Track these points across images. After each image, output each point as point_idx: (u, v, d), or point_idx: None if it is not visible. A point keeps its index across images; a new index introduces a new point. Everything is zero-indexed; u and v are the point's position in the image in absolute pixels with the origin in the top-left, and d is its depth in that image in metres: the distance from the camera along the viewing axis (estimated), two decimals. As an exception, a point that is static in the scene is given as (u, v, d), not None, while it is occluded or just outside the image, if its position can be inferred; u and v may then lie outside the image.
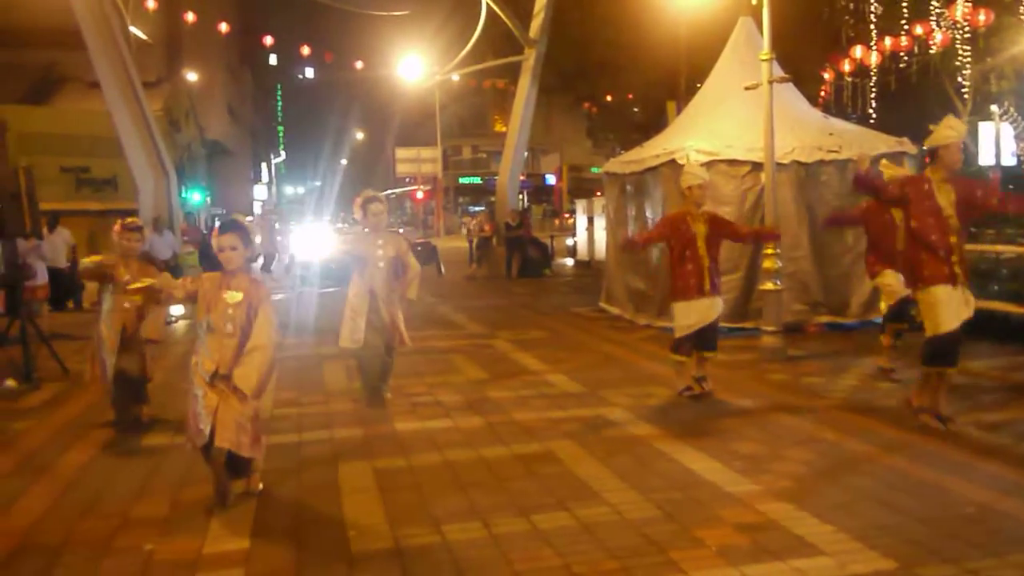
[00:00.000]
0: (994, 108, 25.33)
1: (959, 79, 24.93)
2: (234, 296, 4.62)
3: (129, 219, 6.68)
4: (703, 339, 6.99)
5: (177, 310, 13.31)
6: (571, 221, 27.10)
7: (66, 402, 7.45)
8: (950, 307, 5.50)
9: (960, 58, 23.36)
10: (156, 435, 6.17)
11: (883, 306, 7.75)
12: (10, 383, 8.02)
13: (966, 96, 25.88)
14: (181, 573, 3.74)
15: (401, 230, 23.90)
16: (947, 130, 5.59)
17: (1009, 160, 25.06)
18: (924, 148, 5.79)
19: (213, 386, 4.53)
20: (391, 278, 6.83)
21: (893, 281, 7.25)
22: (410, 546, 3.97)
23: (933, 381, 5.74)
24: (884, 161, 7.74)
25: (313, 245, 23.52)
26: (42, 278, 11.45)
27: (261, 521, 4.37)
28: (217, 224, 4.80)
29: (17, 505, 4.72)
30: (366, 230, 6.93)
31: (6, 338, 8.48)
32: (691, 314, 6.86)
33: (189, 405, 4.59)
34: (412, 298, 7.08)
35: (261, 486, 4.79)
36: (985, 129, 25.81)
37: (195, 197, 36.64)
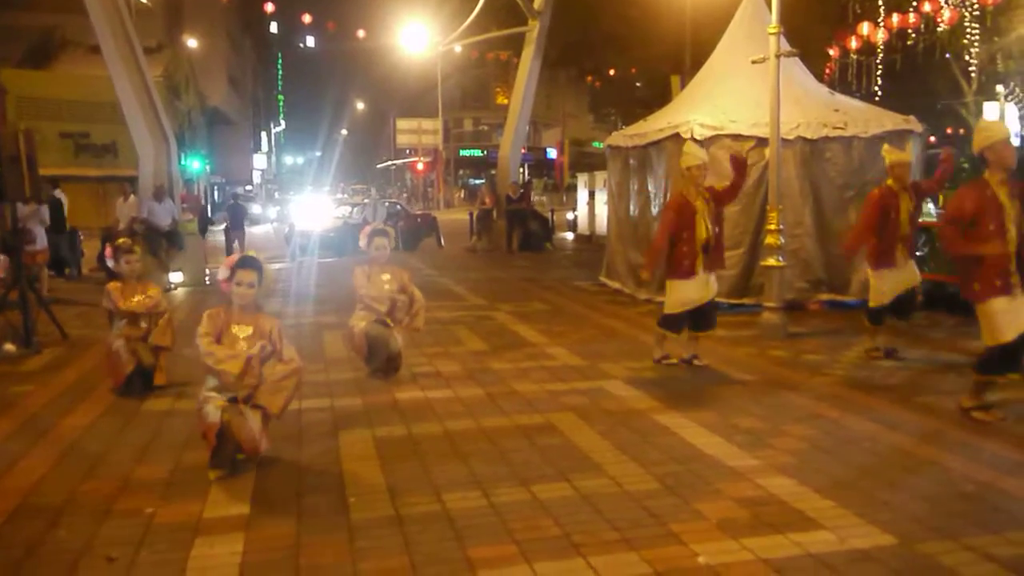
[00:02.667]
0: (1000, 88, 25.20)
1: (966, 58, 24.75)
2: (244, 330, 4.66)
3: (120, 240, 6.69)
4: (701, 319, 7.00)
5: (176, 277, 13.29)
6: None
7: (66, 366, 7.45)
8: (1007, 317, 5.27)
9: (968, 37, 23.18)
10: (157, 399, 6.17)
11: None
12: (9, 347, 8.01)
13: (972, 75, 25.72)
14: (181, 536, 3.74)
15: (399, 205, 23.76)
16: (980, 133, 5.42)
17: (1014, 141, 24.98)
18: (975, 154, 5.59)
19: (234, 408, 4.53)
20: (396, 312, 6.92)
21: (884, 287, 7.16)
22: (410, 514, 3.98)
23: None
24: (887, 146, 7.64)
25: (312, 215, 23.48)
26: (41, 243, 11.42)
27: (261, 487, 4.37)
28: (236, 257, 4.77)
29: (18, 467, 4.73)
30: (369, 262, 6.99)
31: (6, 302, 8.45)
32: (685, 292, 6.88)
33: (197, 411, 4.60)
34: (419, 328, 7.13)
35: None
36: (990, 109, 25.71)
37: (194, 165, 36.44)
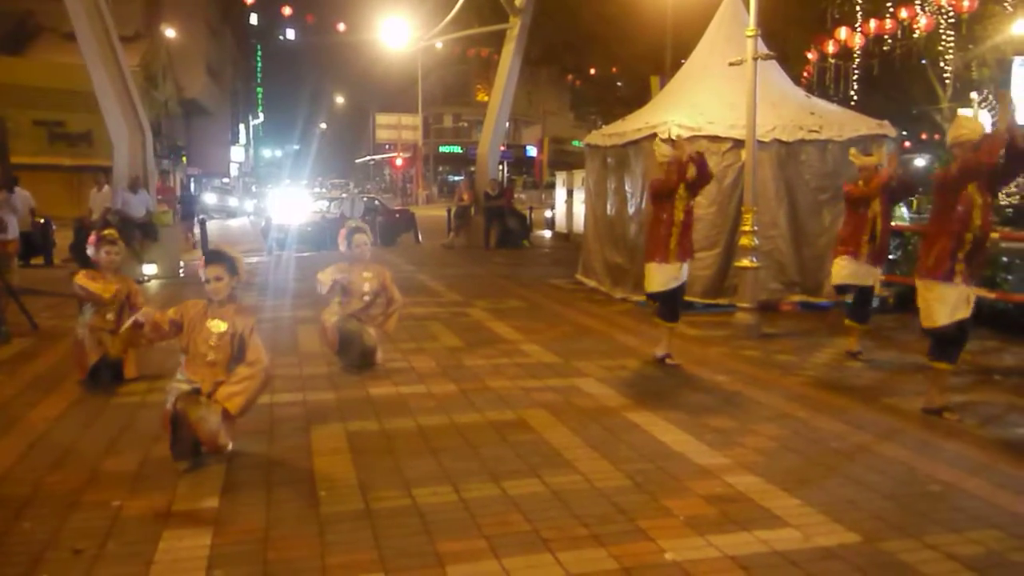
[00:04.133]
0: (974, 95, 25.53)
1: (941, 65, 25.06)
2: (219, 325, 4.63)
3: (106, 231, 6.63)
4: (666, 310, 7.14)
5: (149, 269, 13.18)
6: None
7: (35, 357, 7.37)
8: (946, 303, 5.42)
9: (943, 44, 23.48)
10: (127, 392, 6.12)
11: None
12: (-22, 337, 7.91)
13: (947, 82, 26.04)
14: (149, 529, 3.72)
15: (376, 201, 23.69)
16: (954, 129, 5.55)
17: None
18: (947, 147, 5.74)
19: (192, 397, 4.51)
20: (373, 309, 6.97)
21: (839, 269, 7.40)
22: (380, 508, 3.98)
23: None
24: (853, 151, 7.83)
25: (290, 209, 23.36)
26: (13, 232, 11.27)
27: (231, 480, 4.36)
28: (202, 255, 4.74)
29: (-16, 458, 4.68)
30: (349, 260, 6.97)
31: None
32: (662, 274, 7.05)
33: (163, 412, 4.57)
34: (390, 331, 7.16)
35: (230, 446, 4.76)
36: (965, 115, 26.05)
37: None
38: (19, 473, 4.45)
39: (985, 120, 25.02)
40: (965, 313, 5.45)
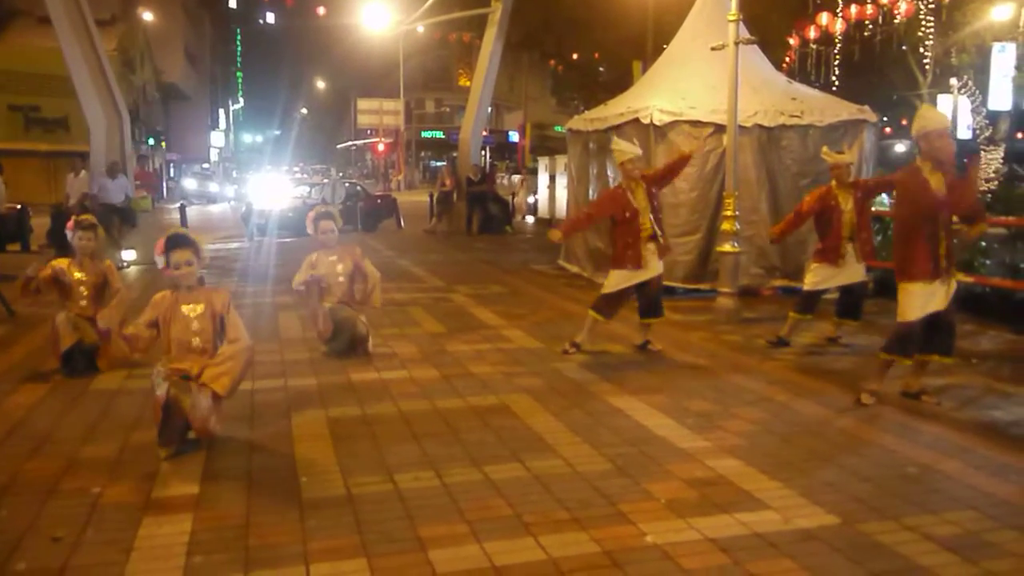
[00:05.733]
0: (953, 81, 25.67)
1: (921, 50, 25.17)
2: (195, 309, 4.59)
3: (83, 216, 6.56)
4: (647, 305, 7.05)
5: (128, 255, 13.06)
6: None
7: (13, 344, 7.29)
8: (922, 298, 5.40)
9: (923, 30, 23.57)
10: (105, 379, 6.07)
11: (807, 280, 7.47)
12: (-46, 324, 7.82)
13: (927, 68, 26.17)
14: (129, 516, 3.69)
15: (359, 187, 23.57)
16: (919, 120, 5.48)
17: (965, 133, 25.49)
18: (913, 140, 5.66)
19: (183, 384, 4.47)
20: (353, 288, 6.97)
21: (816, 278, 7.25)
22: (362, 493, 3.97)
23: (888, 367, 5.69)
24: (825, 148, 7.74)
25: (270, 195, 23.20)
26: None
27: (212, 467, 4.33)
28: (165, 238, 4.65)
29: (-40, 446, 4.63)
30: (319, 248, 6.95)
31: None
32: (625, 281, 6.92)
33: (152, 400, 4.52)
34: (377, 306, 7.12)
35: (219, 430, 4.73)
36: (943, 102, 26.20)
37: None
38: (-4, 461, 4.41)
39: (964, 106, 25.27)
40: (941, 305, 5.45)
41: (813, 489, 4.05)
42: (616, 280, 6.95)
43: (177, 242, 4.59)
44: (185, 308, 4.58)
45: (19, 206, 14.95)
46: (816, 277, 7.27)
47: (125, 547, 3.41)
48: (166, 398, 4.38)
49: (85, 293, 6.29)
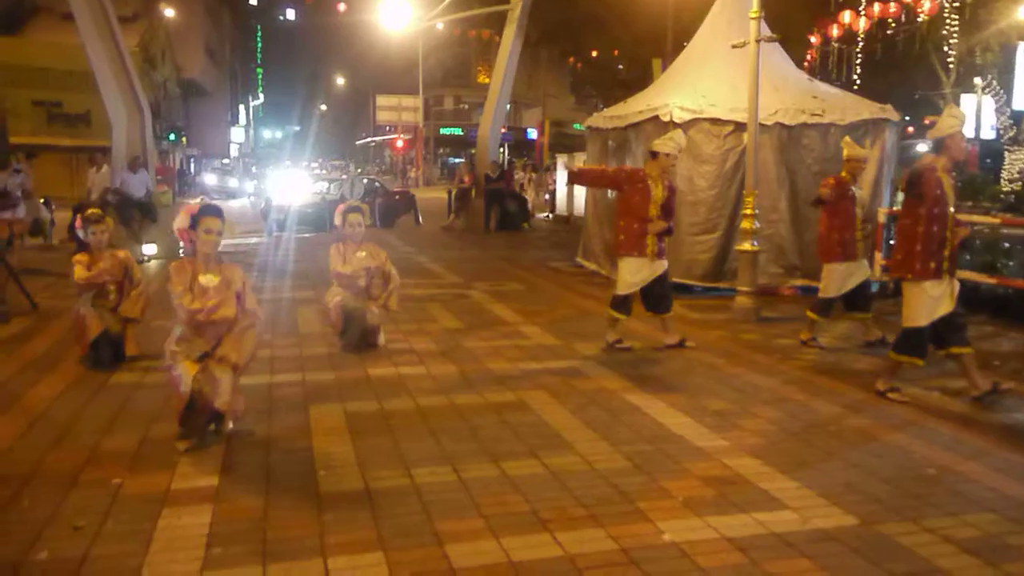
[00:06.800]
0: (977, 80, 25.41)
1: (945, 49, 24.92)
2: (211, 279, 4.61)
3: (89, 211, 6.60)
4: (655, 301, 7.04)
5: (149, 249, 13.16)
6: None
7: (35, 337, 7.37)
8: (931, 303, 5.41)
9: (947, 28, 23.33)
10: (126, 372, 6.12)
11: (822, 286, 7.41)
12: (-22, 316, 7.91)
13: (951, 67, 25.91)
14: (149, 508, 3.73)
15: (377, 183, 23.60)
16: (951, 119, 5.48)
17: (988, 133, 25.25)
18: (930, 139, 5.61)
19: (199, 361, 4.50)
20: (372, 288, 6.97)
21: (836, 280, 7.19)
22: (379, 488, 3.99)
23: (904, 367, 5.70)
24: (847, 139, 7.70)
25: (290, 190, 23.29)
26: (22, 211, 11.25)
27: (230, 459, 4.37)
28: (196, 205, 4.72)
29: (-17, 436, 4.68)
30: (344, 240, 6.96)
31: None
32: (639, 271, 6.92)
33: (168, 375, 4.57)
34: (393, 308, 7.12)
35: (231, 425, 4.77)
36: (967, 101, 25.94)
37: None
38: (19, 452, 4.46)
39: (988, 106, 25.00)
40: (948, 308, 5.43)
41: (831, 489, 4.03)
42: (631, 273, 6.95)
43: (211, 211, 4.66)
44: (203, 279, 4.60)
45: (42, 200, 15.09)
46: (839, 275, 7.19)
47: (145, 538, 3.44)
48: (191, 395, 4.41)
49: (111, 287, 6.35)
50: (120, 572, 3.18)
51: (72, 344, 6.49)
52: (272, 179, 31.37)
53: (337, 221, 6.94)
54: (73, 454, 4.41)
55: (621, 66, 36.86)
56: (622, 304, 7.02)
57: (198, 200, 5.21)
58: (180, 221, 4.65)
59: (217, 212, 4.68)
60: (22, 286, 8.59)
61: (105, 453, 4.45)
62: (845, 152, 7.29)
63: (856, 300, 7.34)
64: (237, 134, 69.75)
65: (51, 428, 4.85)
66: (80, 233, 6.38)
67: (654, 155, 6.93)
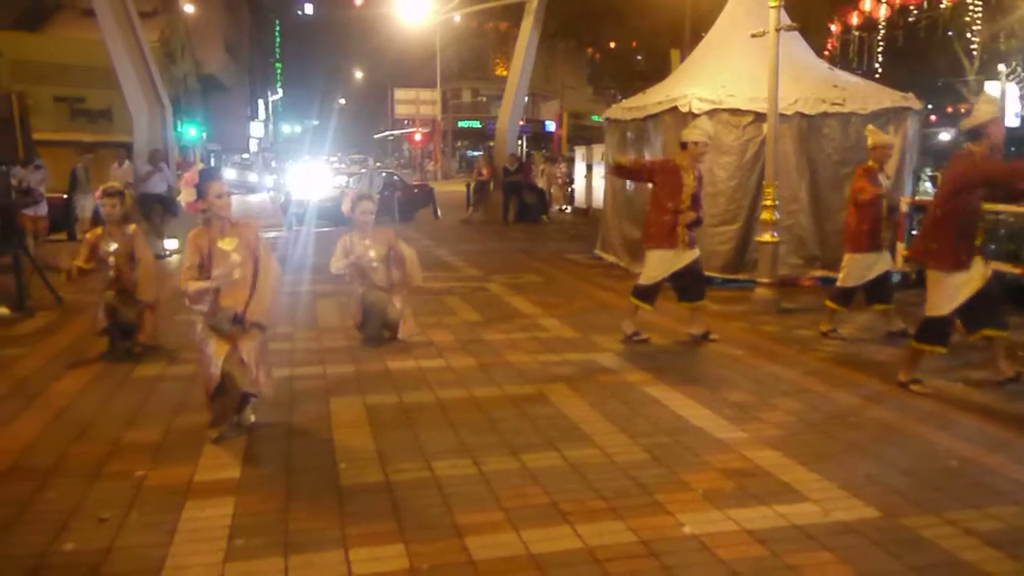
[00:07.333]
0: (1001, 67, 25.07)
1: (968, 36, 24.60)
2: (231, 243, 4.65)
3: (109, 184, 6.65)
4: (687, 289, 7.00)
5: (170, 244, 13.26)
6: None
7: (59, 331, 7.45)
8: (953, 291, 5.37)
9: (970, 14, 23.04)
10: (149, 365, 6.18)
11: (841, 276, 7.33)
12: (3, 310, 8.01)
13: (974, 54, 25.59)
14: (172, 499, 3.77)
15: (396, 176, 23.62)
16: (988, 105, 5.42)
17: (1013, 121, 24.91)
18: (965, 128, 5.51)
19: (226, 334, 4.54)
20: (391, 272, 6.96)
21: (857, 270, 7.12)
22: (400, 480, 4.01)
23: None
24: (871, 127, 7.59)
25: (309, 184, 23.37)
26: (44, 208, 11.39)
27: (252, 452, 4.41)
28: (199, 169, 4.77)
29: (9, 429, 4.75)
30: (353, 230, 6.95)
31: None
32: (665, 263, 6.89)
33: (198, 357, 4.63)
34: (419, 284, 7.13)
35: (253, 418, 4.82)
36: (991, 88, 25.60)
37: (191, 132, 36.18)
38: (43, 444, 4.52)
39: (1012, 93, 24.65)
40: (976, 287, 5.35)
41: (852, 481, 4.00)
42: (656, 266, 6.92)
43: (211, 175, 4.72)
44: (222, 244, 4.64)
45: (65, 196, 15.22)
46: (860, 266, 7.12)
47: (168, 529, 3.48)
48: (220, 378, 4.45)
49: (121, 264, 6.38)
50: (144, 563, 3.22)
51: (95, 338, 6.55)
52: (291, 173, 31.50)
53: (345, 208, 6.91)
54: (97, 447, 4.47)
55: (639, 57, 36.64)
56: (645, 293, 7.00)
57: (196, 168, 5.20)
58: (186, 195, 4.68)
59: (215, 175, 4.79)
60: (47, 280, 8.69)
61: (128, 445, 4.50)
62: (870, 140, 7.16)
63: (878, 291, 7.26)
64: (256, 129, 70.01)
65: (75, 421, 4.91)
66: (98, 204, 6.46)
67: (684, 145, 6.91)
